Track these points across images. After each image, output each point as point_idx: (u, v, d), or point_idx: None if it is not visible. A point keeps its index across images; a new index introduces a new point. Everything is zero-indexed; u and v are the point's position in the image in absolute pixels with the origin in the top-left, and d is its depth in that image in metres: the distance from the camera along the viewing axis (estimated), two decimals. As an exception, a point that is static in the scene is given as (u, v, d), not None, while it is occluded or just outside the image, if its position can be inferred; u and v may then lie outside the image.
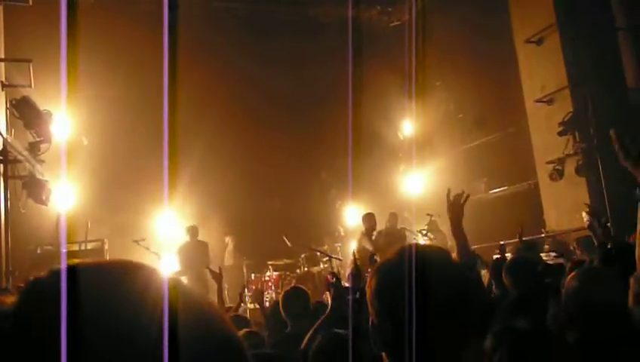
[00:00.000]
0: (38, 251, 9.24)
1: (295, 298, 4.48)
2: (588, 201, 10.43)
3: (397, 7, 14.65)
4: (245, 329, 3.85)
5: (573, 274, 2.26)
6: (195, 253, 10.34)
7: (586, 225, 5.34)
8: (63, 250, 8.59)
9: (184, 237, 10.67)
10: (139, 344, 0.53)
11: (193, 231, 10.64)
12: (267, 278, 11.39)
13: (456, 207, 2.90)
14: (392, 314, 1.33)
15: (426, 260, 1.40)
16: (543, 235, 10.94)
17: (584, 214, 5.60)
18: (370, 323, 1.41)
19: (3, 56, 8.82)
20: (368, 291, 1.42)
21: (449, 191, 3.01)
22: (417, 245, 1.45)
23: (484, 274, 5.57)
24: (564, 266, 4.96)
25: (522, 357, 1.95)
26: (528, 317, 3.17)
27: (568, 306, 2.18)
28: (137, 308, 0.55)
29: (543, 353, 2.00)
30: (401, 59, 11.98)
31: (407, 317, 1.31)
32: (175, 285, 0.59)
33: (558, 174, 10.73)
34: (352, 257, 9.45)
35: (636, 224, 2.56)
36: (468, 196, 2.99)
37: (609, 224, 6.39)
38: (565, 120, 10.54)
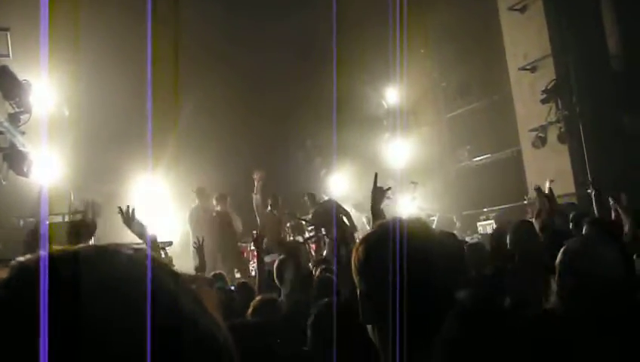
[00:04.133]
0: (21, 223, 9.16)
1: (288, 266, 4.57)
2: (570, 168, 10.56)
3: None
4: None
5: (565, 247, 2.28)
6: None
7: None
8: (45, 222, 8.53)
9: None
10: (126, 327, 0.54)
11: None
12: (253, 248, 11.39)
13: (378, 192, 3.65)
14: (379, 286, 1.34)
15: (410, 233, 1.41)
16: (525, 202, 11.06)
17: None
18: (358, 294, 1.42)
19: (-20, 26, 8.63)
20: (354, 262, 1.43)
21: (376, 175, 3.75)
22: (401, 218, 1.46)
23: None
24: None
25: (463, 331, 1.98)
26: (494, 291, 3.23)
27: (564, 280, 2.20)
28: (123, 294, 0.55)
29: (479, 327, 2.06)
30: (385, 27, 11.92)
31: (391, 290, 1.33)
32: (159, 266, 0.60)
33: (540, 142, 10.82)
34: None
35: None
36: (389, 188, 3.81)
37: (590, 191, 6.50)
38: (548, 88, 10.59)
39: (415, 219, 1.49)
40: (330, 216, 9.24)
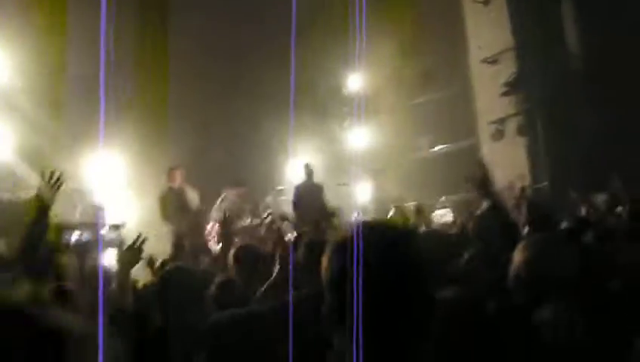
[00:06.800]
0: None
1: (247, 255, 4.35)
2: (526, 162, 10.67)
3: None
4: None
5: (524, 243, 2.25)
6: None
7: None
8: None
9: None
10: None
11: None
12: (209, 230, 11.17)
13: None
14: (346, 293, 1.25)
15: (380, 236, 1.33)
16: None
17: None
18: (325, 302, 1.33)
19: None
20: (325, 270, 1.34)
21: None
22: (372, 220, 1.38)
23: None
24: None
25: (445, 326, 1.93)
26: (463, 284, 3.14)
27: (519, 275, 2.17)
28: None
29: (465, 323, 2.00)
30: (346, 13, 11.80)
31: (355, 298, 1.24)
32: None
33: (499, 134, 10.91)
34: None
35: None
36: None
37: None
38: (509, 80, 10.66)
39: (384, 220, 1.40)
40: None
